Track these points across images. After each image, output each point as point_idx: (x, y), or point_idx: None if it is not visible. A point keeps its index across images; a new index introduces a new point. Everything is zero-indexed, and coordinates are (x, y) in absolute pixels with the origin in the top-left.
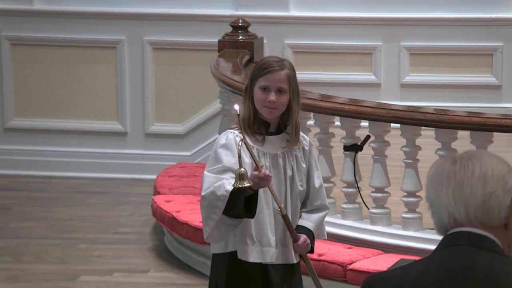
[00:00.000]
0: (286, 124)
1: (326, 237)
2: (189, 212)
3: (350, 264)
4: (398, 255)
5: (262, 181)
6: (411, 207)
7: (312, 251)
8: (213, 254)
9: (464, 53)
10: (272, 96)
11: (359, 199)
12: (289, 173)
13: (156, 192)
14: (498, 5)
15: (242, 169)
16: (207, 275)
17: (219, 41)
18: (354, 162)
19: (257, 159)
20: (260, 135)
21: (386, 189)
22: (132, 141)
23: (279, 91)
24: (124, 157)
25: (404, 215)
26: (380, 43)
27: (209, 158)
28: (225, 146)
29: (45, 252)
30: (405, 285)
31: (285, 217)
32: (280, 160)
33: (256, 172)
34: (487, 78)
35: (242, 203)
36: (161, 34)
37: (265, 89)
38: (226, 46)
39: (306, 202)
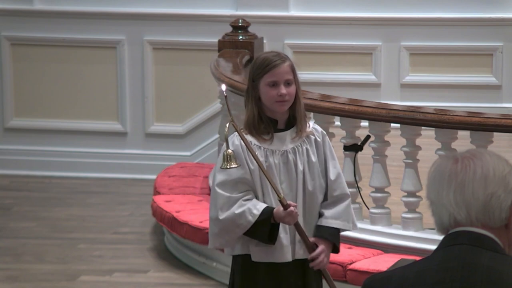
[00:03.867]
0: (295, 116)
1: (357, 226)
2: (189, 212)
3: (350, 264)
4: (398, 255)
5: (291, 218)
6: (411, 207)
7: (337, 250)
8: (232, 256)
9: (464, 53)
10: (283, 90)
11: (359, 199)
12: (300, 167)
13: (156, 192)
14: (498, 5)
15: (229, 151)
16: (207, 275)
17: (219, 41)
18: (354, 162)
19: (266, 167)
20: (267, 134)
21: (386, 189)
22: (132, 141)
23: (287, 83)
24: (124, 157)
25: (404, 215)
26: (380, 43)
27: (217, 164)
28: (221, 166)
29: (45, 252)
30: (406, 285)
31: (297, 225)
32: (291, 156)
33: (283, 211)
34: (487, 78)
35: (266, 234)
36: (161, 34)
37: (274, 84)
38: (226, 46)
39: (326, 195)
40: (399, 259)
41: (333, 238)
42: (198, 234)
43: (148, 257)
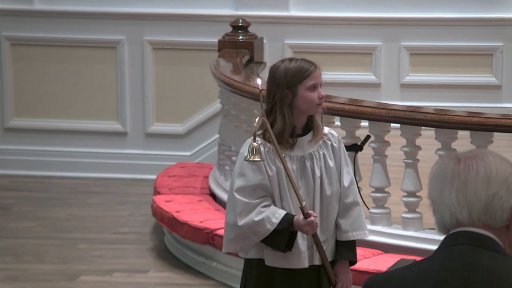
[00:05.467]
0: (313, 120)
1: (367, 234)
2: (189, 212)
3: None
4: (398, 255)
5: (310, 228)
6: (411, 207)
7: (355, 260)
8: (244, 259)
9: (464, 53)
10: (322, 92)
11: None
12: (317, 173)
13: (156, 192)
14: (498, 5)
15: (255, 144)
16: (207, 275)
17: (219, 41)
18: (354, 162)
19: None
20: (289, 144)
21: (386, 189)
22: (132, 141)
23: (320, 86)
24: (124, 157)
25: (404, 215)
26: (380, 43)
27: (234, 170)
28: (245, 158)
29: (45, 252)
30: (406, 285)
31: (314, 236)
32: (308, 162)
33: (303, 220)
34: (487, 78)
35: (283, 243)
36: (161, 34)
37: (314, 88)
38: (226, 46)
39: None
40: (399, 259)
41: (353, 255)
42: (198, 234)
43: (148, 257)
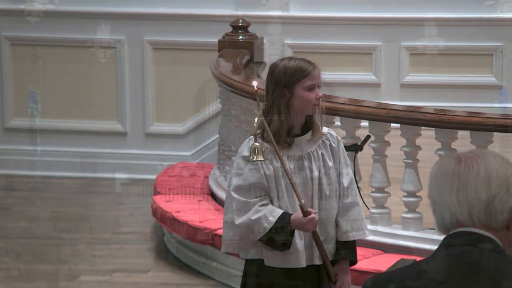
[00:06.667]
0: (312, 120)
1: (367, 234)
2: (189, 212)
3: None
4: (398, 255)
5: (311, 225)
6: (411, 207)
7: (355, 260)
8: (245, 260)
9: (464, 53)
10: (320, 92)
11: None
12: (315, 173)
13: (156, 192)
14: (498, 5)
15: (257, 144)
16: (207, 275)
17: (219, 41)
18: (354, 162)
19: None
20: (287, 143)
21: (386, 189)
22: (132, 141)
23: (318, 86)
24: (124, 157)
25: (404, 215)
26: (380, 43)
27: (232, 169)
28: (248, 159)
29: (45, 252)
30: (406, 285)
31: (314, 233)
32: (306, 162)
33: (304, 218)
34: (487, 78)
35: (281, 242)
36: (161, 34)
37: (311, 88)
38: (226, 46)
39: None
40: (399, 259)
41: (353, 255)
42: (198, 234)
43: (148, 257)
